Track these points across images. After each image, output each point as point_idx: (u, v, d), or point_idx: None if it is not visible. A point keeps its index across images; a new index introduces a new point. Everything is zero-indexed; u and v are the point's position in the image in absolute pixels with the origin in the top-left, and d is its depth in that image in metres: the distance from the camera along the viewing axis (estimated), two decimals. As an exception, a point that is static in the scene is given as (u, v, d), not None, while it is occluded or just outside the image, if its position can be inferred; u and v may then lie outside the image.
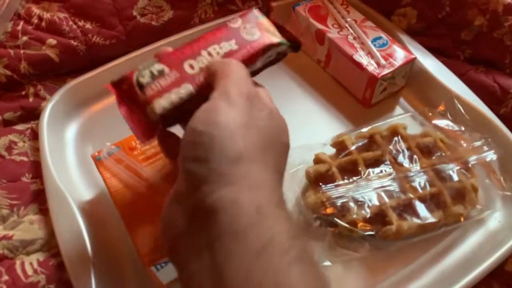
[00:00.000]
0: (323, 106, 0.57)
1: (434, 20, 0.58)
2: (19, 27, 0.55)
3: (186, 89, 0.36)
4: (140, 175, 0.44)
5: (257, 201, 0.27)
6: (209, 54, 0.37)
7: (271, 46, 0.38)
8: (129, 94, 0.37)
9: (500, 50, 0.54)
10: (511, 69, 0.54)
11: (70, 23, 0.56)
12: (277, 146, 0.31)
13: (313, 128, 0.54)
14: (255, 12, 0.40)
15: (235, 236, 0.26)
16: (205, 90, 0.34)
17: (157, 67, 0.37)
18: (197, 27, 0.61)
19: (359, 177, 0.45)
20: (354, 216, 0.43)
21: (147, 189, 0.43)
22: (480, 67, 0.55)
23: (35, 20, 0.55)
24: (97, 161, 0.46)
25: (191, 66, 0.37)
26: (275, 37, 0.39)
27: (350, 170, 0.46)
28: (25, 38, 0.54)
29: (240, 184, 0.27)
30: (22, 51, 0.54)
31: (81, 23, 0.56)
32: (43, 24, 0.55)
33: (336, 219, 0.43)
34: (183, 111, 0.36)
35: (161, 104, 0.35)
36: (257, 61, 0.38)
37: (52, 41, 0.55)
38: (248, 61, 0.37)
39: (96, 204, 0.48)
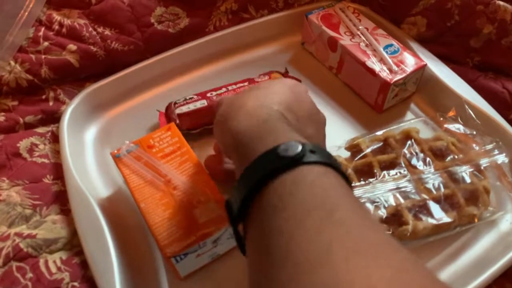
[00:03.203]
0: (335, 112, 0.58)
1: (443, 28, 0.60)
2: (41, 33, 0.56)
3: (202, 103, 0.55)
4: (159, 172, 0.46)
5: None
6: (227, 88, 0.57)
7: None
8: (169, 111, 0.55)
9: (508, 57, 0.55)
10: (519, 76, 0.55)
11: (90, 29, 0.57)
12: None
13: (326, 133, 0.55)
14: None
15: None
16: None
17: (190, 96, 0.56)
18: (211, 35, 0.63)
19: (374, 178, 0.46)
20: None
21: (166, 184, 0.45)
22: (489, 74, 0.57)
23: (56, 26, 0.57)
24: (116, 158, 0.47)
25: (211, 93, 0.56)
26: None
27: (366, 172, 0.47)
28: (46, 43, 0.56)
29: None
30: (43, 56, 0.55)
31: (100, 30, 0.58)
32: (64, 30, 0.57)
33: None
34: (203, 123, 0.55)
35: (182, 109, 0.54)
36: None
37: (72, 46, 0.56)
38: None
39: (116, 202, 0.49)
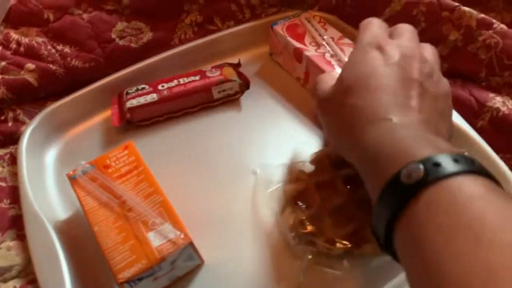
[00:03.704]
0: (304, 124, 0.57)
1: (410, 35, 0.59)
2: (-3, 53, 0.55)
3: (152, 97, 0.55)
4: (114, 193, 0.44)
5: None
6: (178, 81, 0.57)
7: (224, 81, 0.57)
8: (120, 101, 0.57)
9: (475, 64, 0.54)
10: (487, 82, 0.54)
11: (49, 47, 0.56)
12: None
13: (295, 146, 0.54)
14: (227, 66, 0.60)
15: None
16: (167, 100, 0.56)
17: (142, 86, 0.57)
18: (176, 48, 0.62)
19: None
20: (332, 233, 0.42)
21: (120, 206, 0.43)
22: (457, 81, 0.56)
23: (13, 45, 0.56)
24: (72, 180, 0.46)
25: (162, 86, 0.57)
26: (230, 76, 0.57)
27: (329, 187, 0.46)
28: (3, 63, 0.55)
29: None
30: (0, 77, 0.54)
31: (59, 47, 0.57)
32: (22, 49, 0.56)
33: (313, 237, 0.43)
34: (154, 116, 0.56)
35: (132, 102, 0.55)
36: (212, 90, 0.57)
37: (30, 65, 0.55)
38: (204, 88, 0.57)
39: (74, 225, 0.48)
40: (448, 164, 0.29)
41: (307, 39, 0.58)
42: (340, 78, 0.41)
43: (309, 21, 0.60)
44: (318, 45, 0.57)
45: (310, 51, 0.56)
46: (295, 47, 0.57)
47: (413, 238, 0.29)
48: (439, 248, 0.26)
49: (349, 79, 0.40)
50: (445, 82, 0.42)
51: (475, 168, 0.29)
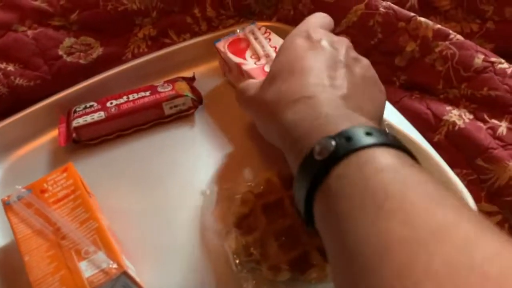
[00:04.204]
0: (258, 142, 0.54)
1: (367, 46, 0.57)
2: None
3: (99, 115, 0.53)
4: (48, 220, 0.42)
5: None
6: (127, 98, 0.55)
7: (176, 96, 0.54)
8: (69, 119, 0.54)
9: (432, 75, 0.53)
10: (444, 95, 0.52)
11: (-9, 66, 0.54)
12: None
13: (245, 166, 0.52)
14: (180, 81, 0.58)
15: None
16: (115, 118, 0.53)
17: (90, 103, 0.54)
18: (129, 63, 0.60)
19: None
20: (277, 259, 0.40)
21: (54, 234, 0.41)
22: (415, 93, 0.54)
23: (-47, 65, 0.54)
24: (6, 205, 0.44)
25: (111, 103, 0.54)
26: (183, 91, 0.55)
27: (276, 208, 0.44)
28: None
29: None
30: None
31: (2, 65, 0.54)
32: (-38, 68, 0.53)
33: (256, 264, 0.40)
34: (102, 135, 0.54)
35: (78, 121, 0.52)
36: (163, 105, 0.54)
37: (-29, 85, 0.53)
38: (154, 104, 0.54)
39: (11, 254, 0.45)
40: (359, 138, 0.29)
41: (248, 53, 0.56)
42: (269, 71, 0.42)
43: (253, 33, 0.58)
44: (259, 58, 0.55)
45: (248, 65, 0.54)
46: (235, 63, 0.55)
47: (325, 210, 0.30)
48: (344, 217, 0.27)
49: (275, 68, 0.41)
50: (374, 71, 0.42)
51: (387, 140, 0.30)
